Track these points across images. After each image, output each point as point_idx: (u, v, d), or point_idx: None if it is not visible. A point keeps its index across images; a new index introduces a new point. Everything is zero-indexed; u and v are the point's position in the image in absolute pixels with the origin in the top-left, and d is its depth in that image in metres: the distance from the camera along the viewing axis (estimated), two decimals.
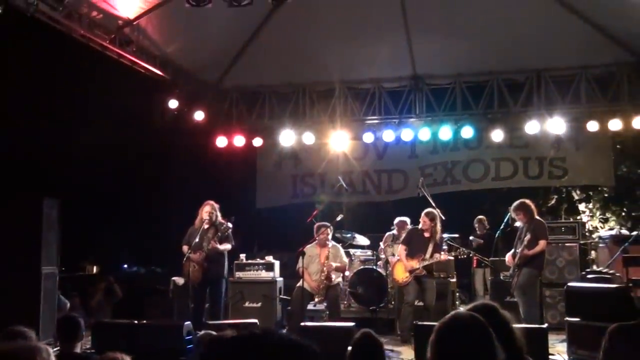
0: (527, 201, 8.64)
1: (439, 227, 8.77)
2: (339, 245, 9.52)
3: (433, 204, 9.49)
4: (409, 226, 9.65)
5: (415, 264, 8.72)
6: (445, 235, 9.85)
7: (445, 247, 9.15)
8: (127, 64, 9.33)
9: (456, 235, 10.79)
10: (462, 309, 2.75)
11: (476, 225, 11.55)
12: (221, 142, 12.09)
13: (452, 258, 9.59)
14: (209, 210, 8.74)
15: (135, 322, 6.94)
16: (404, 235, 9.24)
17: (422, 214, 8.82)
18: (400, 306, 9.05)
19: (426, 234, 8.79)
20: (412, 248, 8.88)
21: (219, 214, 8.81)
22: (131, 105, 10.97)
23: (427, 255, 8.69)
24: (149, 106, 11.21)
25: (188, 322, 6.96)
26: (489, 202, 13.31)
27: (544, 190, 13.38)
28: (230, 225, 8.63)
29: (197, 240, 8.58)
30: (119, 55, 9.06)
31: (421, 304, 8.88)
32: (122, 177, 12.65)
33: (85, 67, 10.23)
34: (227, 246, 8.80)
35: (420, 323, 6.66)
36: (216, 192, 10.24)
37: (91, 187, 12.15)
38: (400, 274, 8.91)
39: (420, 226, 8.84)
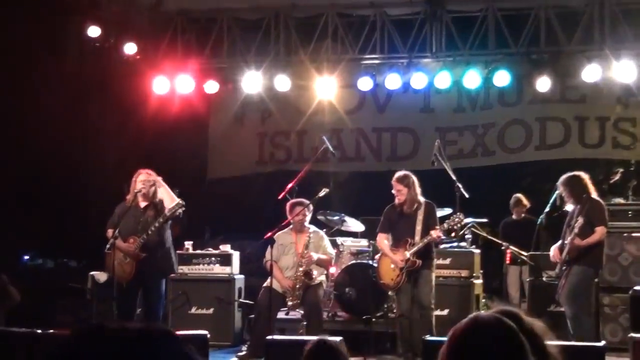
0: (581, 174, 8.67)
1: (418, 190, 8.71)
2: (322, 232, 9.52)
3: (454, 178, 9.47)
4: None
5: (402, 255, 8.67)
6: (469, 220, 9.85)
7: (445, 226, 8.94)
8: None
9: (484, 220, 10.80)
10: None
11: (512, 207, 11.57)
12: (160, 86, 11.99)
13: (451, 236, 9.57)
14: (143, 180, 8.65)
15: (38, 331, 6.93)
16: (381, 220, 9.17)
17: (393, 181, 8.76)
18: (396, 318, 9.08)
19: (406, 208, 8.74)
20: (395, 234, 8.88)
21: (167, 187, 8.75)
22: (32, 34, 10.79)
23: (417, 237, 8.66)
24: (59, 35, 11.05)
25: None
26: (531, 177, 13.35)
27: (606, 163, 13.42)
28: (182, 202, 8.58)
29: (128, 220, 8.52)
30: None
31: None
32: (19, 136, 12.49)
33: None
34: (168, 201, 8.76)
35: (430, 338, 6.63)
36: (152, 158, 10.16)
37: None
38: (389, 274, 8.85)
39: (396, 201, 8.79)
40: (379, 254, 9.17)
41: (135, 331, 1.42)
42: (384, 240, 8.92)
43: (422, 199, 8.74)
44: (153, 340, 1.41)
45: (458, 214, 8.83)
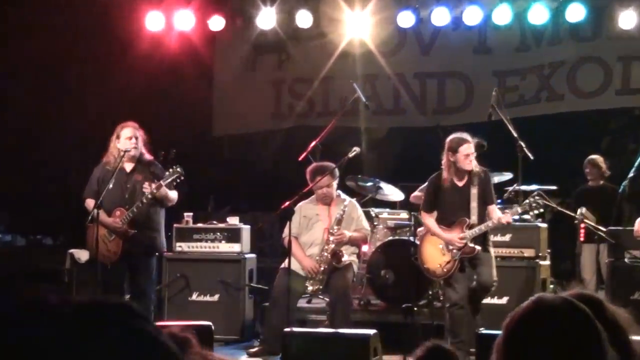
0: None
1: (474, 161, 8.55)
2: (355, 202, 9.52)
3: (515, 135, 9.39)
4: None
5: (457, 236, 8.61)
6: (534, 187, 9.81)
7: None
8: None
9: (553, 187, 10.77)
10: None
11: (587, 170, 11.53)
12: (154, 22, 12.00)
13: (524, 216, 9.51)
14: (130, 136, 8.68)
15: None
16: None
17: (465, 144, 8.54)
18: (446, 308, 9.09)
19: (459, 181, 8.72)
20: (442, 213, 8.81)
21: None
22: None
23: (474, 217, 8.61)
24: None
25: None
26: (611, 132, 13.26)
27: None
28: (181, 170, 8.60)
29: (111, 187, 8.56)
30: None
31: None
32: None
33: None
34: (173, 194, 8.85)
35: (484, 332, 6.64)
36: (143, 111, 10.19)
37: None
38: (436, 258, 8.82)
39: (445, 173, 8.64)
40: (421, 229, 9.14)
41: (78, 306, 1.41)
42: (429, 218, 8.83)
43: (477, 167, 8.63)
44: (98, 316, 1.40)
45: (536, 196, 8.72)
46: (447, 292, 8.86)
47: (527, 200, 8.72)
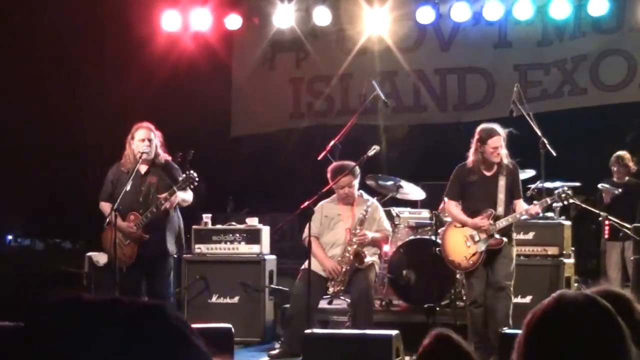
0: None
1: (503, 152, 8.49)
2: (377, 203, 9.51)
3: (538, 131, 9.36)
4: None
5: (487, 220, 8.56)
6: (558, 184, 9.77)
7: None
8: None
9: (577, 184, 10.72)
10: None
11: (614, 167, 11.47)
12: (170, 21, 12.03)
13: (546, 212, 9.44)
14: (144, 137, 8.66)
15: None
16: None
17: (495, 136, 8.49)
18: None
19: (486, 172, 8.67)
20: (467, 203, 8.77)
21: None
22: None
23: (500, 208, 8.57)
24: None
25: None
26: (636, 127, 13.19)
27: None
28: (194, 175, 8.59)
29: (127, 191, 8.54)
30: None
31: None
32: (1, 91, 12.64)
33: None
34: (187, 196, 8.84)
35: (507, 331, 6.60)
36: (161, 110, 10.20)
37: None
38: (461, 250, 8.79)
39: (471, 159, 8.62)
40: (444, 227, 9.10)
41: (120, 305, 1.45)
42: (454, 207, 8.81)
43: (506, 159, 8.60)
44: (138, 316, 1.44)
45: (564, 188, 8.69)
46: (466, 290, 8.86)
47: (556, 191, 8.70)
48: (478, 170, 8.58)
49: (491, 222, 8.45)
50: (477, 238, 8.52)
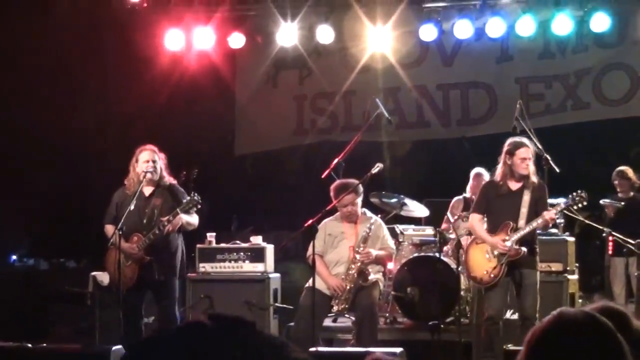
0: None
1: (531, 167, 8.57)
2: (380, 220, 9.53)
3: (539, 146, 9.39)
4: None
5: (501, 239, 8.60)
6: (561, 200, 9.80)
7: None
8: None
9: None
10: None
11: (616, 182, 11.49)
12: (173, 40, 12.08)
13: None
14: (148, 159, 8.71)
15: (29, 345, 7.07)
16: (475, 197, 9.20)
17: (523, 147, 8.57)
18: (479, 322, 9.08)
19: (513, 185, 8.72)
20: (492, 217, 8.83)
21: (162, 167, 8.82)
22: None
23: (522, 221, 8.62)
24: None
25: (118, 347, 7.07)
26: (639, 141, 13.21)
27: None
28: (198, 198, 8.63)
29: (131, 211, 8.59)
30: None
31: (514, 316, 8.90)
32: (5, 112, 12.68)
33: None
34: (193, 219, 8.87)
35: (511, 347, 6.60)
36: (164, 131, 10.23)
37: None
38: (483, 265, 8.84)
39: (499, 172, 8.70)
40: (470, 240, 9.10)
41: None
42: (478, 222, 8.87)
43: (534, 176, 8.68)
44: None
45: (579, 191, 8.71)
46: (484, 306, 8.85)
47: (570, 195, 8.71)
48: (505, 184, 8.65)
49: (509, 236, 8.52)
50: (496, 251, 8.58)
